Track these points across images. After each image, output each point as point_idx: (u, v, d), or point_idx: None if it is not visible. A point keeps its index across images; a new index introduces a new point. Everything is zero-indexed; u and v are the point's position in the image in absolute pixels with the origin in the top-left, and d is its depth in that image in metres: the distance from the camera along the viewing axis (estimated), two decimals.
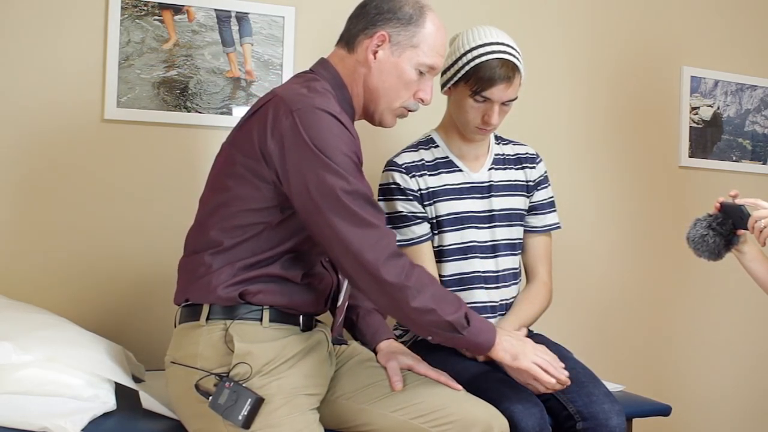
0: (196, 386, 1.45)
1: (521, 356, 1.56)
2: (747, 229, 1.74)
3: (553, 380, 1.58)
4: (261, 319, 1.50)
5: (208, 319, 1.49)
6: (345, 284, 1.65)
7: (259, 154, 1.46)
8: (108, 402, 1.56)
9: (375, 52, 1.56)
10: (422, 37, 1.57)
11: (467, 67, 1.83)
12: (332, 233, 1.42)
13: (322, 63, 1.63)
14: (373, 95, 1.60)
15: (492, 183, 1.98)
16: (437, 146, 1.99)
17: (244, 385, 1.42)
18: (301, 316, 1.56)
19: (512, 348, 1.56)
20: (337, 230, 1.41)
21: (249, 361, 1.44)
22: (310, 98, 1.46)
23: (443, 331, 1.48)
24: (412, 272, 1.44)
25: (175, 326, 1.57)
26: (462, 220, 1.94)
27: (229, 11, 2.22)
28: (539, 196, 2.04)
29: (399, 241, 1.91)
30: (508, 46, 1.84)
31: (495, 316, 1.94)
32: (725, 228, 1.80)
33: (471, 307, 1.89)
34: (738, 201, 1.78)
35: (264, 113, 1.48)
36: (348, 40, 1.60)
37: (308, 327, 1.58)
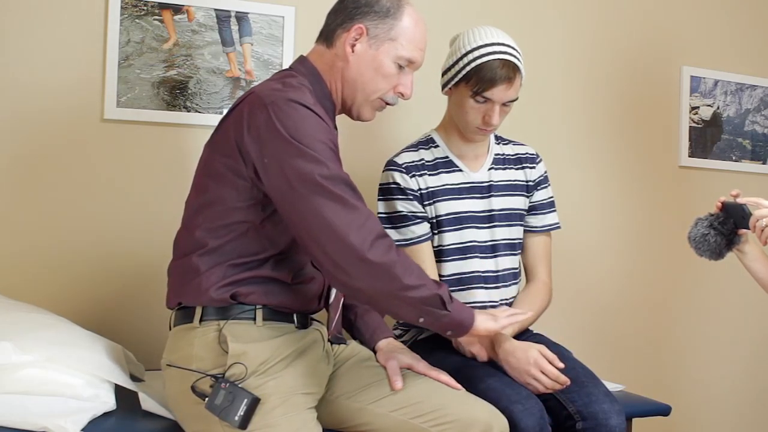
0: (193, 388, 1.45)
1: (498, 317, 1.60)
2: (748, 228, 1.74)
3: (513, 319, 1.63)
4: (254, 319, 1.50)
5: (201, 320, 1.49)
6: None
7: (237, 152, 1.46)
8: (108, 402, 1.56)
9: (353, 46, 1.57)
10: (400, 30, 1.57)
11: (468, 68, 1.83)
12: (316, 220, 1.40)
13: (301, 60, 1.64)
14: (351, 88, 1.60)
15: (492, 183, 1.98)
16: (437, 146, 1.99)
17: (240, 385, 1.42)
18: (295, 314, 1.56)
19: (488, 315, 1.60)
20: (321, 215, 1.39)
21: (244, 361, 1.44)
22: (284, 92, 1.46)
23: (433, 308, 1.47)
24: (399, 251, 1.45)
25: (170, 329, 1.57)
26: (461, 220, 1.94)
27: (229, 11, 2.22)
28: (539, 196, 2.04)
29: (398, 241, 1.91)
30: (508, 46, 1.84)
31: None
32: (727, 227, 1.80)
33: (471, 307, 1.90)
34: (739, 200, 1.78)
35: (240, 111, 1.48)
36: (327, 35, 1.61)
37: (303, 325, 1.58)
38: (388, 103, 1.64)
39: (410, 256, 1.50)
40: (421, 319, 1.49)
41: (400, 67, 1.59)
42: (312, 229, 1.41)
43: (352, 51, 1.57)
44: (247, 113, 1.46)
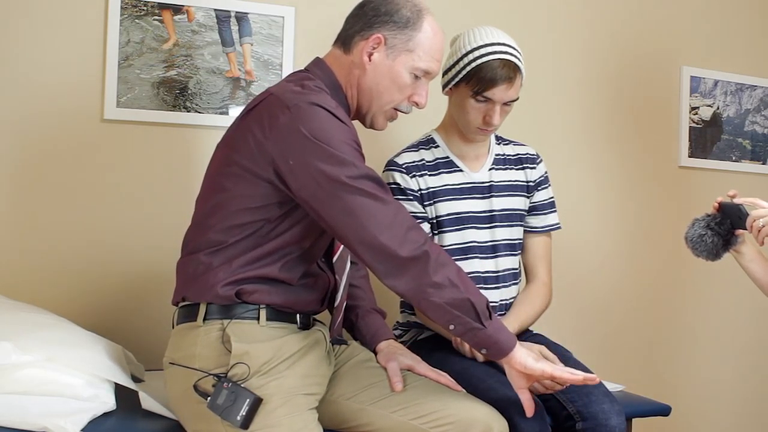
0: (195, 387, 1.45)
1: (541, 359, 1.52)
2: (745, 228, 1.74)
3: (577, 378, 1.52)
4: (258, 318, 1.50)
5: (205, 319, 1.49)
6: (342, 284, 1.65)
7: (256, 153, 1.46)
8: (108, 402, 1.56)
9: (370, 55, 1.56)
10: (418, 42, 1.56)
11: (468, 68, 1.83)
12: (348, 219, 1.41)
13: (317, 63, 1.63)
14: (366, 96, 1.60)
15: (492, 183, 1.98)
16: (437, 146, 1.99)
17: (242, 385, 1.42)
18: (298, 315, 1.56)
19: (534, 353, 1.52)
20: (352, 214, 1.40)
21: (247, 361, 1.44)
22: (305, 95, 1.46)
23: (463, 314, 1.43)
24: (433, 246, 1.44)
25: (173, 327, 1.57)
26: (462, 221, 1.94)
27: (229, 11, 2.22)
28: (539, 196, 2.04)
29: None
30: (509, 46, 1.84)
31: None
32: (723, 228, 1.80)
33: None
34: (737, 200, 1.78)
35: (259, 112, 1.48)
36: (344, 40, 1.60)
37: (306, 325, 1.58)
38: (402, 112, 1.64)
39: (448, 257, 1.47)
40: (452, 326, 1.46)
41: (416, 77, 1.59)
42: (344, 229, 1.42)
43: (369, 60, 1.56)
44: (267, 115, 1.46)
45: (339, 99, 1.58)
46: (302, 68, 1.65)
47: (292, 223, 1.51)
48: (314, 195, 1.42)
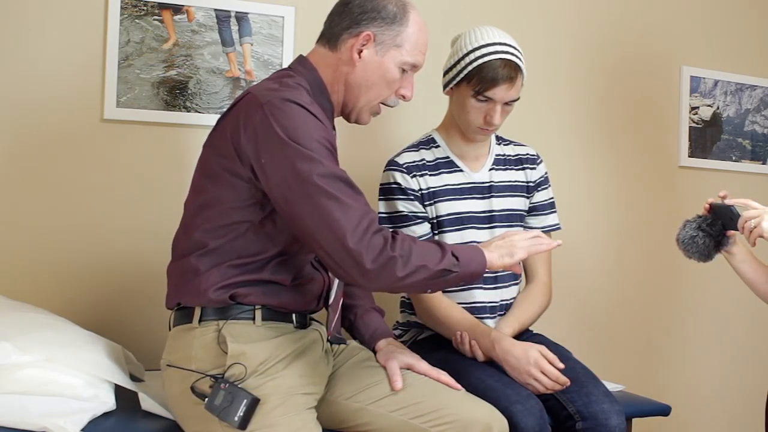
0: (192, 388, 1.45)
1: (515, 251, 1.52)
2: (737, 229, 1.73)
3: (543, 246, 1.55)
4: (253, 319, 1.50)
5: (200, 321, 1.49)
6: (336, 282, 1.64)
7: (233, 152, 1.46)
8: (107, 402, 1.56)
9: (360, 52, 1.56)
10: (406, 37, 1.57)
11: (470, 68, 1.83)
12: (314, 221, 1.40)
13: (301, 60, 1.63)
14: (354, 93, 1.60)
15: (492, 183, 1.98)
16: (438, 146, 1.99)
17: (239, 385, 1.42)
18: (294, 314, 1.56)
19: (502, 250, 1.52)
20: (318, 216, 1.39)
21: (243, 362, 1.44)
22: (280, 91, 1.46)
23: (438, 279, 1.45)
24: (394, 243, 1.42)
25: (170, 329, 1.57)
26: (462, 221, 1.94)
27: (229, 11, 2.22)
28: (539, 197, 2.04)
29: None
30: (510, 46, 1.84)
31: (494, 317, 1.94)
32: (715, 229, 1.80)
33: (470, 307, 1.91)
34: (728, 201, 1.78)
35: (237, 111, 1.49)
36: (330, 38, 1.60)
37: (302, 325, 1.58)
38: (389, 106, 1.64)
39: (404, 234, 1.47)
40: (429, 291, 1.55)
41: (403, 71, 1.59)
42: (311, 230, 1.41)
43: (359, 57, 1.56)
44: (243, 113, 1.46)
45: (322, 95, 1.58)
46: (286, 67, 1.65)
47: (278, 229, 1.50)
48: (283, 194, 1.42)
